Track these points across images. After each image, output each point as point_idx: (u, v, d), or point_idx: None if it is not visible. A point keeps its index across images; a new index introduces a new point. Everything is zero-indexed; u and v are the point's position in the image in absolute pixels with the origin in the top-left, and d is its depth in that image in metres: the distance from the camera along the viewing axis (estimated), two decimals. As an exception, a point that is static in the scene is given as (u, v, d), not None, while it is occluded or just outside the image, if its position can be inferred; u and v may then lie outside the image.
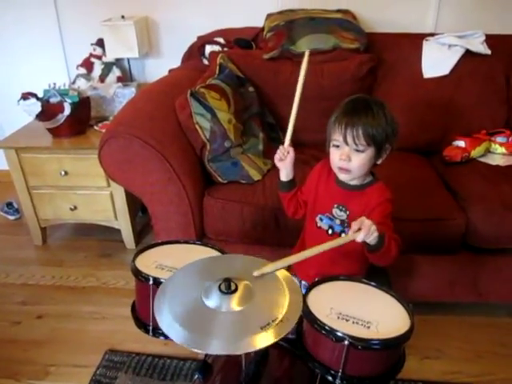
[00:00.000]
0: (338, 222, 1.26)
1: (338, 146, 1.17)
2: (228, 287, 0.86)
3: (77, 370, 1.64)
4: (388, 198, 1.20)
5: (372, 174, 1.25)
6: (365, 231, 1.00)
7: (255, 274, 0.95)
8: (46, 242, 2.39)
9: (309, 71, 1.96)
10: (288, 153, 1.27)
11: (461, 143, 1.90)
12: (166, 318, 0.84)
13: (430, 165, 1.97)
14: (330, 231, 1.28)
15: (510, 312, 1.86)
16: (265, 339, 0.79)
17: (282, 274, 0.97)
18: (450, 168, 1.88)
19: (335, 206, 1.25)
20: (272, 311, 0.84)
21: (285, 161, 1.27)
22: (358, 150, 1.14)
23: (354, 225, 1.02)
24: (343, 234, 1.25)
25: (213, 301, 0.86)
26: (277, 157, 1.28)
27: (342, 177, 1.22)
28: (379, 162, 1.20)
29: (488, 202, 1.62)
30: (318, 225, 1.30)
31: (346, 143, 1.14)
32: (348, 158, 1.15)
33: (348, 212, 1.24)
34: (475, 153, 1.90)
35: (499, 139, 1.96)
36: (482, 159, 1.92)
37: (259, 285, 0.92)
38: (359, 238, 1.00)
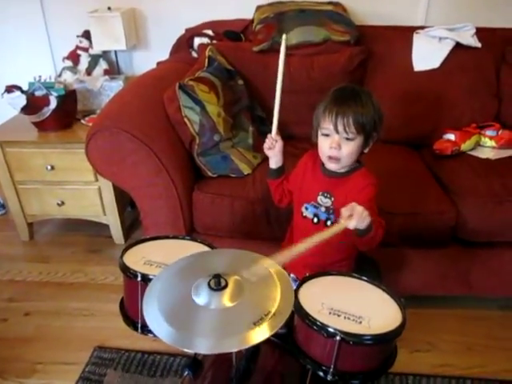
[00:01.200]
0: (323, 209, 1.26)
1: (327, 135, 1.18)
2: (218, 283, 0.84)
3: (65, 368, 1.62)
4: (371, 182, 1.22)
5: (357, 161, 1.26)
6: (357, 217, 1.00)
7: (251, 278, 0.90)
8: (33, 237, 2.35)
9: (299, 64, 1.98)
10: (276, 141, 1.30)
11: (451, 136, 1.90)
12: (155, 317, 0.81)
13: (420, 158, 1.97)
14: (315, 219, 1.28)
15: (500, 305, 1.87)
16: (258, 335, 0.77)
17: (273, 267, 0.95)
18: (440, 161, 1.88)
19: (320, 193, 1.26)
20: (264, 305, 0.83)
21: (274, 149, 1.31)
22: (348, 139, 1.16)
23: (345, 211, 1.01)
24: (329, 222, 1.26)
25: (202, 298, 0.84)
26: (265, 146, 1.32)
27: (331, 166, 1.22)
28: (366, 150, 1.22)
29: (478, 196, 1.63)
30: (304, 214, 1.31)
31: (337, 131, 1.15)
32: (338, 146, 1.16)
33: (333, 198, 1.25)
34: (465, 146, 1.90)
35: (489, 132, 1.96)
36: (472, 152, 1.92)
37: (250, 279, 0.90)
38: (351, 224, 1.00)
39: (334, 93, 1.19)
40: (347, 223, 1.00)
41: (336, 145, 1.16)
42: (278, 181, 1.36)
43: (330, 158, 1.19)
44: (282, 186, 1.37)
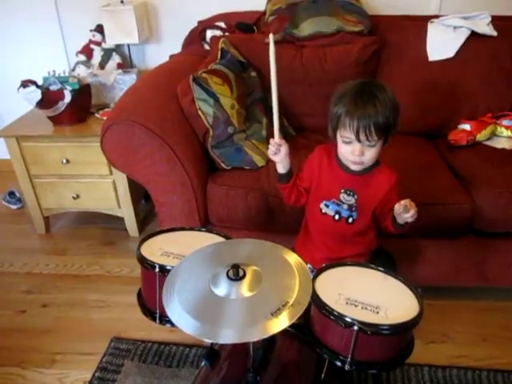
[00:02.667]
0: (345, 206, 1.26)
1: (349, 142, 1.17)
2: (236, 273, 0.85)
3: (83, 358, 1.64)
4: (397, 179, 1.24)
5: None
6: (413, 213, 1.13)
7: None
8: (50, 230, 2.39)
9: (311, 55, 1.97)
10: (280, 146, 1.24)
11: (466, 126, 1.88)
12: (176, 308, 0.82)
13: (435, 148, 1.95)
14: (336, 217, 1.27)
15: (515, 296, 1.86)
16: (276, 325, 0.78)
17: (291, 257, 0.96)
18: (456, 152, 1.86)
19: (342, 191, 1.25)
20: (282, 296, 0.83)
21: (279, 154, 1.25)
22: (370, 145, 1.15)
23: (404, 204, 1.12)
24: (350, 219, 1.26)
25: (222, 288, 0.85)
26: (270, 152, 1.26)
27: (355, 167, 1.22)
28: (386, 145, 1.21)
29: (494, 186, 1.61)
30: (323, 211, 1.29)
31: (359, 141, 1.14)
32: (362, 153, 1.16)
33: (356, 196, 1.24)
34: (481, 136, 1.88)
35: (505, 122, 1.93)
36: (488, 142, 1.90)
37: (268, 269, 0.91)
38: (410, 217, 1.14)
39: (351, 97, 1.14)
40: (405, 211, 1.12)
41: (359, 152, 1.15)
42: (291, 183, 1.31)
43: (354, 162, 1.19)
44: (295, 186, 1.32)
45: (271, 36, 1.17)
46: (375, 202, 1.24)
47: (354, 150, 1.16)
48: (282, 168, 1.29)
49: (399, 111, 1.17)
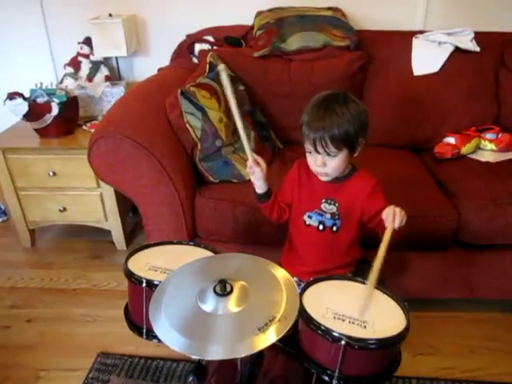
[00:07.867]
0: (328, 215, 1.27)
1: (310, 153, 1.20)
2: (223, 289, 0.85)
3: (68, 374, 1.61)
4: (375, 182, 1.25)
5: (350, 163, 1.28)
6: (398, 218, 1.10)
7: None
8: (35, 244, 2.35)
9: (299, 69, 1.99)
10: (252, 167, 1.23)
11: (451, 140, 1.91)
12: (163, 324, 0.82)
13: (421, 161, 1.98)
14: (320, 227, 1.29)
15: (501, 307, 1.87)
16: (263, 340, 0.78)
17: (278, 271, 0.96)
18: (441, 165, 1.89)
19: (323, 200, 1.27)
20: (269, 311, 0.84)
21: (254, 175, 1.25)
22: (330, 155, 1.17)
23: (387, 216, 1.10)
24: (334, 228, 1.28)
25: (209, 304, 0.85)
26: (248, 171, 1.26)
27: (321, 178, 1.25)
28: (355, 154, 1.22)
29: (479, 199, 1.63)
30: (307, 223, 1.30)
31: (318, 153, 1.17)
32: (323, 164, 1.19)
33: (337, 204, 1.26)
34: (465, 149, 1.91)
35: (489, 136, 1.97)
36: (473, 156, 1.93)
37: (255, 284, 0.91)
38: (396, 225, 1.09)
39: (311, 109, 1.18)
40: (393, 225, 1.09)
41: (320, 163, 1.18)
42: (269, 202, 1.31)
43: (318, 173, 1.23)
44: (276, 204, 1.32)
45: (222, 66, 1.24)
46: (357, 208, 1.25)
47: (315, 161, 1.19)
48: (258, 188, 1.28)
49: (365, 121, 1.18)
